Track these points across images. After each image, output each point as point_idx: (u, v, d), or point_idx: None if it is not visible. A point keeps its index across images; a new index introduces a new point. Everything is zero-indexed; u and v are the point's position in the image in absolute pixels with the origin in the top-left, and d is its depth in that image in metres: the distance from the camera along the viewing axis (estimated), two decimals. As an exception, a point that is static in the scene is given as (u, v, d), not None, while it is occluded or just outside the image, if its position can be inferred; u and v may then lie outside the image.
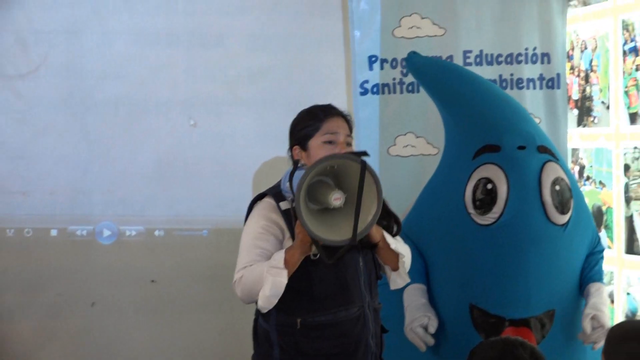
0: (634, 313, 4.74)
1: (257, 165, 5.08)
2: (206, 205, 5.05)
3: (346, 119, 3.45)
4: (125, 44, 5.03)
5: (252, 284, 3.21)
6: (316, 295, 3.25)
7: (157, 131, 5.05)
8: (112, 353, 4.99)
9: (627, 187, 4.84)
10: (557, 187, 3.90)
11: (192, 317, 5.04)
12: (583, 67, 5.19)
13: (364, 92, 4.67)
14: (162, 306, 5.03)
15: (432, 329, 3.90)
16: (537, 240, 3.84)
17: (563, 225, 3.93)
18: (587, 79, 5.16)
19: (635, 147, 4.75)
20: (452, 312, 3.99)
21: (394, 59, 4.70)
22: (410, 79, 4.64)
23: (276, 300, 3.16)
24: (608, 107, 4.97)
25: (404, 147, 4.82)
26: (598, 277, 4.02)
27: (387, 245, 3.32)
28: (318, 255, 3.15)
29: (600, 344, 3.74)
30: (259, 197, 3.41)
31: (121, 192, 5.02)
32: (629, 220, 4.83)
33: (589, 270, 4.04)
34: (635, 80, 4.76)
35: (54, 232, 5.02)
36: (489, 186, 3.94)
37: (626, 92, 4.84)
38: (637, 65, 4.75)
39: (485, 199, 3.90)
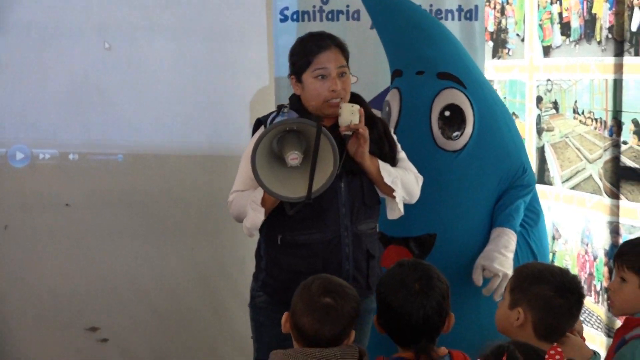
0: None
1: (172, 92, 5.04)
2: (121, 130, 5.01)
3: (341, 47, 3.47)
4: (38, -33, 4.92)
5: (239, 211, 3.47)
6: (294, 216, 3.36)
7: (71, 55, 4.96)
8: (24, 278, 4.95)
9: (539, 119, 4.94)
10: (447, 113, 3.95)
11: (106, 243, 5.02)
12: (499, -1, 5.25)
13: (284, 19, 4.64)
14: (77, 231, 5.00)
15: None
16: (422, 163, 3.78)
17: (455, 151, 3.98)
18: (502, 11, 5.22)
19: (548, 80, 4.84)
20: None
21: (314, -14, 4.68)
22: (330, 6, 4.63)
23: (256, 231, 3.43)
24: (523, 40, 5.05)
25: (322, 74, 4.79)
26: (504, 220, 3.98)
27: (381, 178, 3.41)
28: None
29: (500, 291, 3.75)
30: (259, 121, 3.51)
31: (34, 116, 4.94)
32: (541, 150, 4.93)
33: (500, 212, 4.02)
34: (550, 13, 4.83)
35: (-35, 155, 4.94)
36: (387, 109, 4.10)
37: (540, 25, 4.93)
38: (552, -1, 4.82)
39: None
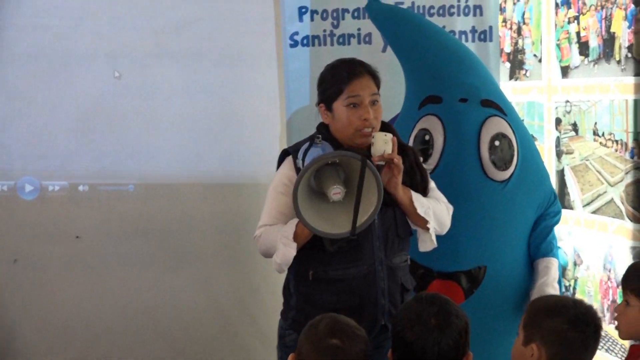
0: (564, 267, 4.75)
1: (184, 119, 4.96)
2: (132, 160, 4.96)
3: (372, 75, 3.37)
4: (45, -6, 4.87)
5: (267, 246, 3.33)
6: (327, 250, 3.26)
7: (80, 84, 4.91)
8: (35, 311, 4.89)
9: (558, 141, 4.84)
10: (497, 143, 3.84)
11: (119, 274, 4.95)
12: (515, 19, 5.16)
13: (294, 44, 4.56)
14: (88, 263, 4.93)
15: None
16: (471, 194, 3.79)
17: (503, 181, 3.88)
18: (519, 31, 5.13)
19: (567, 101, 4.74)
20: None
21: (325, 10, 4.59)
22: (341, 30, 4.55)
23: (286, 267, 3.29)
24: (540, 60, 4.96)
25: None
26: (548, 250, 3.92)
27: (414, 209, 3.31)
28: None
29: None
30: (287, 152, 3.42)
31: (43, 147, 4.89)
32: (560, 174, 4.83)
33: (540, 241, 3.95)
34: (568, 33, 4.73)
35: (-26, 188, 4.89)
36: (427, 137, 3.91)
37: (558, 45, 4.82)
38: (569, 18, 4.71)
39: (423, 150, 3.86)
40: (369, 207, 3.14)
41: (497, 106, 3.95)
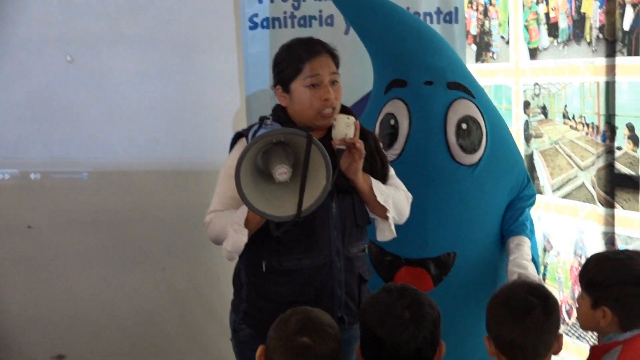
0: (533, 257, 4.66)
1: (139, 105, 4.80)
2: (86, 147, 4.81)
3: (331, 54, 3.21)
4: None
5: (217, 232, 3.16)
6: (281, 240, 3.10)
7: (31, 68, 4.74)
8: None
9: (527, 125, 4.75)
10: (464, 126, 3.76)
11: (72, 266, 4.82)
12: (482, 0, 5.05)
13: (253, 27, 4.42)
14: (40, 254, 4.80)
15: None
16: (438, 179, 3.71)
17: (471, 165, 3.78)
18: (486, 13, 5.04)
19: (536, 84, 4.65)
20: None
21: (285, -9, 4.47)
22: (302, 12, 4.43)
23: (237, 255, 3.11)
24: (508, 42, 4.87)
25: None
26: (520, 230, 3.84)
27: (374, 197, 3.17)
28: None
29: None
30: (240, 135, 3.26)
31: (-8, 135, 4.72)
32: (529, 158, 4.74)
33: (513, 222, 3.87)
34: (536, 14, 4.65)
35: None
36: (392, 122, 3.83)
37: (526, 27, 4.74)
38: (537, -2, 4.63)
39: (389, 134, 3.78)
40: (317, 189, 2.96)
41: (465, 88, 3.86)
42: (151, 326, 4.89)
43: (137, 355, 4.87)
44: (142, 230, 4.86)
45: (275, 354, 2.49)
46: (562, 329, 4.39)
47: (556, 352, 2.71)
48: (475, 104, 3.84)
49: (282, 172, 2.92)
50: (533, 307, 2.66)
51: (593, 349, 2.95)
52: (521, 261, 3.70)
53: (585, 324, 2.98)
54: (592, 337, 4.29)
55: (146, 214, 4.86)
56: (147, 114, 4.83)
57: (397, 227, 3.32)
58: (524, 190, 3.94)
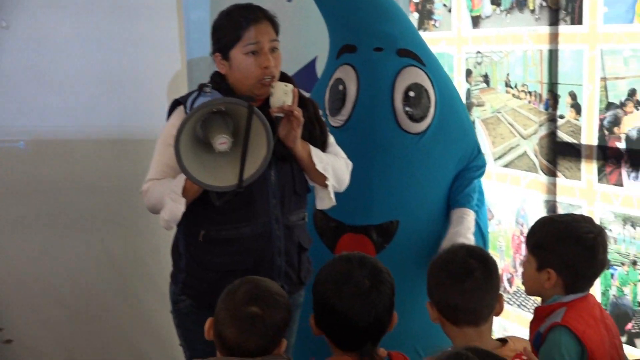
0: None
1: (77, 72, 4.68)
2: (22, 115, 4.65)
3: (271, 20, 3.18)
4: None
5: (154, 201, 3.14)
6: (219, 209, 3.07)
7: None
8: None
9: (468, 93, 4.74)
10: (412, 94, 3.74)
11: (8, 236, 4.68)
12: (424, -33, 5.02)
13: (195, -8, 4.36)
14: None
15: None
16: (384, 147, 3.73)
17: (418, 134, 3.76)
18: (428, -20, 5.00)
19: (478, 52, 4.63)
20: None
21: (227, -45, 4.39)
22: (244, -23, 4.35)
23: (175, 224, 3.10)
24: (450, 10, 4.84)
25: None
26: (465, 201, 3.85)
27: (313, 165, 3.16)
28: None
29: None
30: (177, 102, 3.22)
31: None
32: (471, 127, 4.72)
33: (459, 192, 3.88)
34: (479, -19, 4.61)
35: None
36: (341, 87, 3.83)
37: (468, -6, 4.70)
38: (480, -34, 4.60)
39: (337, 100, 3.78)
40: (258, 158, 2.96)
41: (416, 56, 3.86)
42: (90, 297, 4.79)
43: (75, 326, 4.77)
44: (80, 199, 4.75)
45: (225, 325, 2.46)
46: (504, 298, 4.41)
47: (497, 313, 2.73)
48: (426, 72, 3.83)
49: (222, 142, 2.91)
50: (473, 269, 2.67)
51: (537, 310, 2.96)
52: (457, 237, 3.71)
53: (530, 287, 3.00)
54: (534, 304, 4.32)
55: (84, 183, 4.74)
56: (85, 81, 4.69)
57: (341, 193, 3.31)
58: (473, 160, 3.95)
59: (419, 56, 3.86)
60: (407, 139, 3.78)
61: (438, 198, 3.87)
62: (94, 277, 4.78)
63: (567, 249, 2.88)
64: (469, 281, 2.65)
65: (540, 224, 3.01)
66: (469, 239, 3.73)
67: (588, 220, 3.00)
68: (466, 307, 2.66)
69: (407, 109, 3.75)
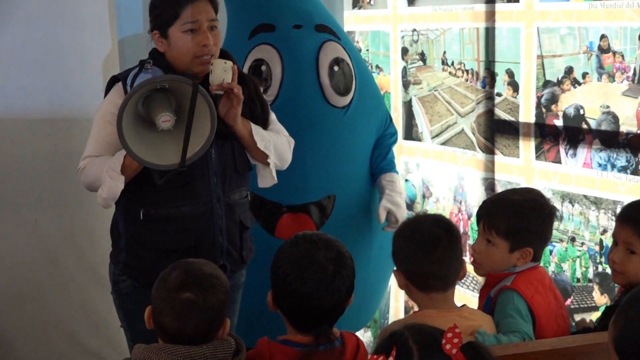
0: (412, 200, 4.67)
1: (5, 51, 4.57)
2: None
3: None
4: None
5: (92, 179, 3.11)
6: (159, 187, 3.05)
7: None
8: None
9: (405, 72, 4.73)
10: (336, 68, 3.78)
11: None
12: (359, -56, 5.00)
13: (126, -32, 4.29)
14: None
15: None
16: (314, 123, 3.76)
17: (344, 107, 3.80)
18: (363, -43, 4.98)
19: (414, 30, 4.62)
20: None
21: None
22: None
23: (113, 202, 3.10)
24: (385, -12, 4.81)
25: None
26: (389, 166, 3.94)
27: (254, 143, 3.14)
28: None
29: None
30: (116, 79, 3.16)
31: None
32: (408, 105, 4.73)
33: (382, 159, 3.95)
34: (414, -41, 4.60)
35: None
36: (263, 68, 3.83)
37: (404, -28, 4.68)
38: (415, -56, 4.58)
39: (262, 81, 3.77)
40: (201, 137, 2.94)
41: (332, 31, 3.92)
42: (23, 280, 4.70)
43: (9, 310, 4.68)
44: (13, 180, 4.64)
45: (162, 314, 2.40)
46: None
47: (461, 278, 2.77)
48: (343, 46, 3.88)
49: (165, 119, 2.88)
50: (440, 237, 2.69)
51: (489, 276, 2.96)
52: (395, 198, 3.81)
53: (495, 268, 2.95)
54: (472, 284, 4.35)
55: (16, 164, 4.63)
56: (13, 61, 4.57)
57: (277, 173, 3.29)
58: (387, 128, 4.04)
59: (334, 31, 3.92)
60: (334, 113, 3.82)
61: (364, 168, 3.94)
62: (27, 259, 4.69)
63: (542, 224, 2.93)
64: (437, 250, 2.68)
65: (510, 209, 2.93)
66: (401, 203, 3.85)
67: (535, 192, 3.06)
68: (435, 274, 2.69)
69: (333, 83, 3.78)
